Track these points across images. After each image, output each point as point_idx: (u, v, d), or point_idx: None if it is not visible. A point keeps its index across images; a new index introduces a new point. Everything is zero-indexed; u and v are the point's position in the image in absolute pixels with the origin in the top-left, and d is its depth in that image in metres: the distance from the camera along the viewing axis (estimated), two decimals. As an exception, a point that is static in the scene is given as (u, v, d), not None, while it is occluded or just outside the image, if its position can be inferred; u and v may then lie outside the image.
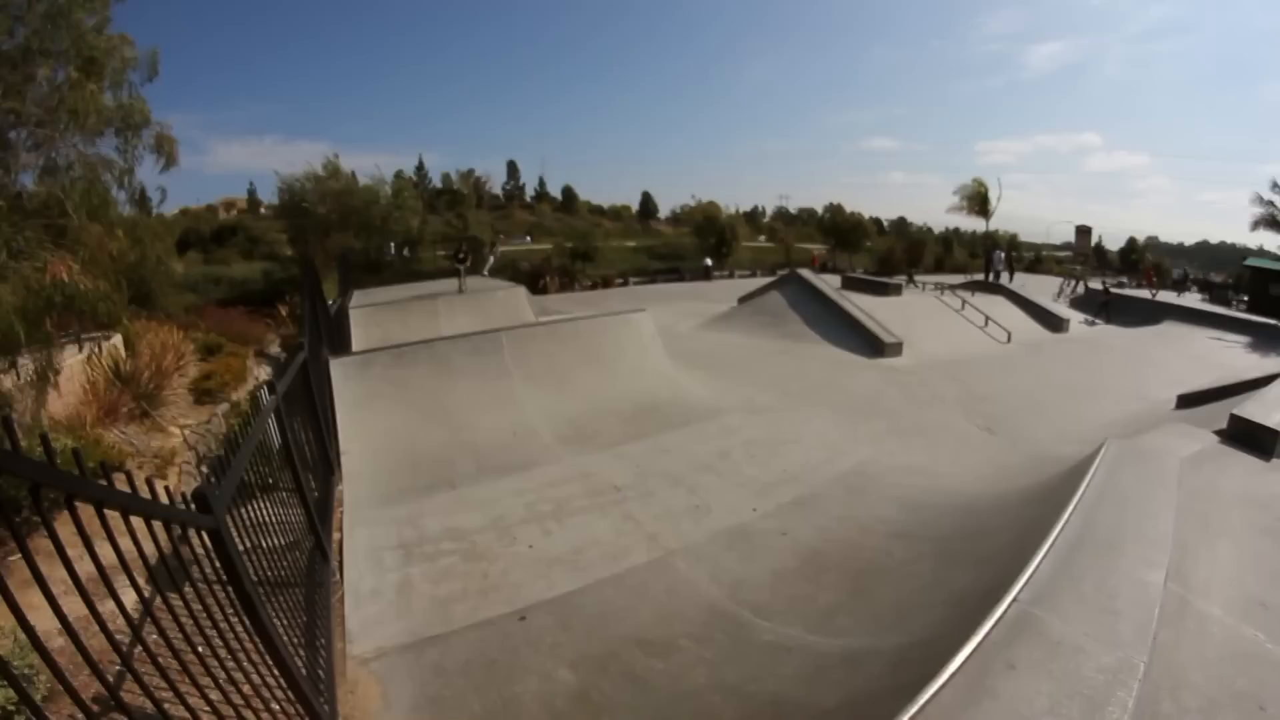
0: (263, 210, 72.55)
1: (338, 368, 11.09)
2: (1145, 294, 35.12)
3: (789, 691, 5.19)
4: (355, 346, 14.79)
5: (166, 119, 10.85)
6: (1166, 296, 37.34)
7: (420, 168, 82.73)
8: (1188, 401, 15.88)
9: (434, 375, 11.79)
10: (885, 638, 5.72)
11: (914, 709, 3.81)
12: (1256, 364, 21.62)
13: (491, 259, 40.46)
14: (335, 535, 7.54)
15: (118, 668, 3.78)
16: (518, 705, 5.13)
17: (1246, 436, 9.79)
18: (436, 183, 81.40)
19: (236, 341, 21.34)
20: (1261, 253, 47.67)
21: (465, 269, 21.21)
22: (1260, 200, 43.32)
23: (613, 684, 5.38)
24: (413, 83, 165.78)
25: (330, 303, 20.36)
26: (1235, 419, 10.06)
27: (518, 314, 18.79)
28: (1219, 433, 10.07)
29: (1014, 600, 4.96)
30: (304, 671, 4.18)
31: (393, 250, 46.99)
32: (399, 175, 53.17)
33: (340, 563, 7.04)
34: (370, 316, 17.68)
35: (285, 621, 4.28)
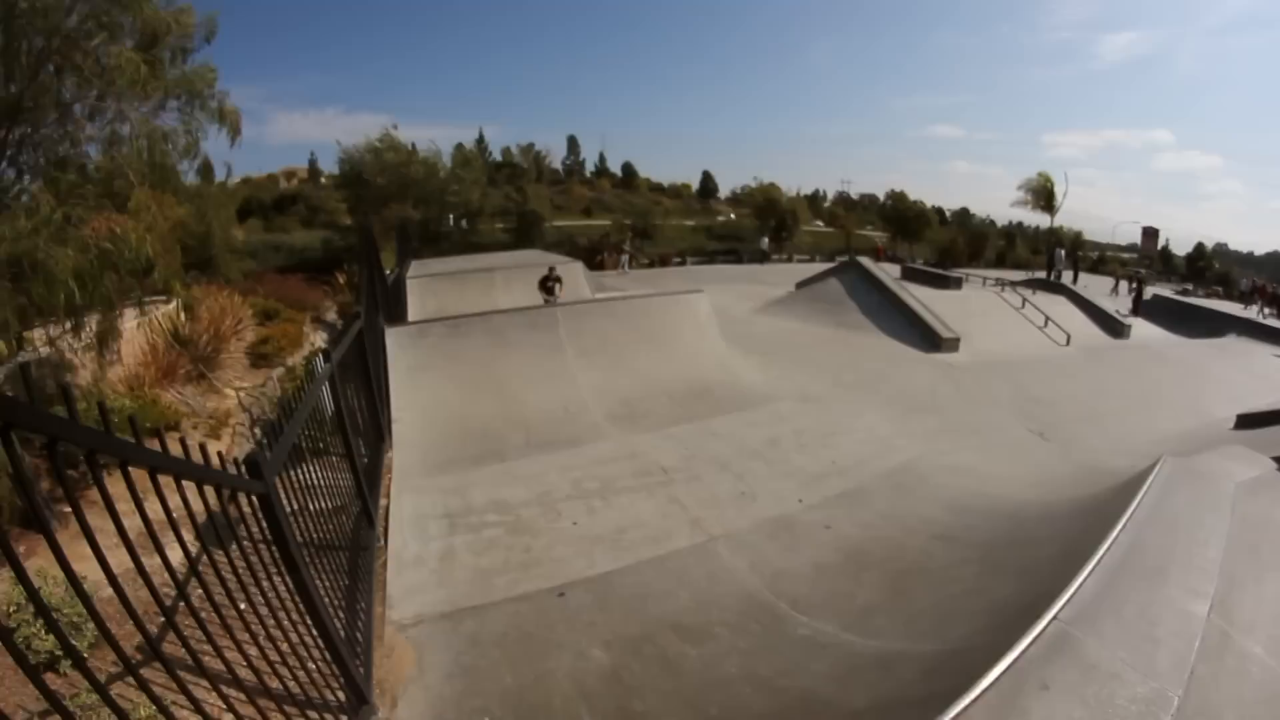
0: (323, 180, 72.80)
1: (393, 336, 11.22)
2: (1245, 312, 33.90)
3: (820, 689, 5.16)
4: (411, 316, 14.96)
5: (227, 89, 11.00)
6: (1232, 308, 35.98)
7: (480, 140, 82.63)
8: (1248, 422, 15.42)
9: (488, 348, 11.85)
10: (921, 643, 5.66)
11: (943, 720, 3.79)
12: None
13: (626, 260, 39.27)
14: (383, 501, 7.68)
15: (162, 620, 3.88)
16: (549, 681, 5.18)
17: None
18: (496, 156, 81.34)
19: (294, 308, 21.75)
20: None
21: (555, 300, 16.42)
22: None
23: (645, 667, 5.40)
24: (474, 55, 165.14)
25: (388, 272, 20.52)
26: None
27: (574, 289, 18.79)
28: (1277, 459, 9.83)
29: (1054, 618, 4.86)
30: (342, 634, 4.27)
31: (451, 222, 47.17)
32: (459, 148, 53.17)
33: (385, 528, 7.17)
34: (427, 287, 17.86)
35: (327, 583, 4.38)
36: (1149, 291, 37.04)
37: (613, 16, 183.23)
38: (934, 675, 4.78)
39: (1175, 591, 5.71)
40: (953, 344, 18.97)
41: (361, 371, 7.90)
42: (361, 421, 7.49)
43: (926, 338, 19.20)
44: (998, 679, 4.18)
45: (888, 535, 7.91)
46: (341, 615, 4.50)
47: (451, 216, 47.09)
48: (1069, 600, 5.13)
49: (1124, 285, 38.15)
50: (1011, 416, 14.22)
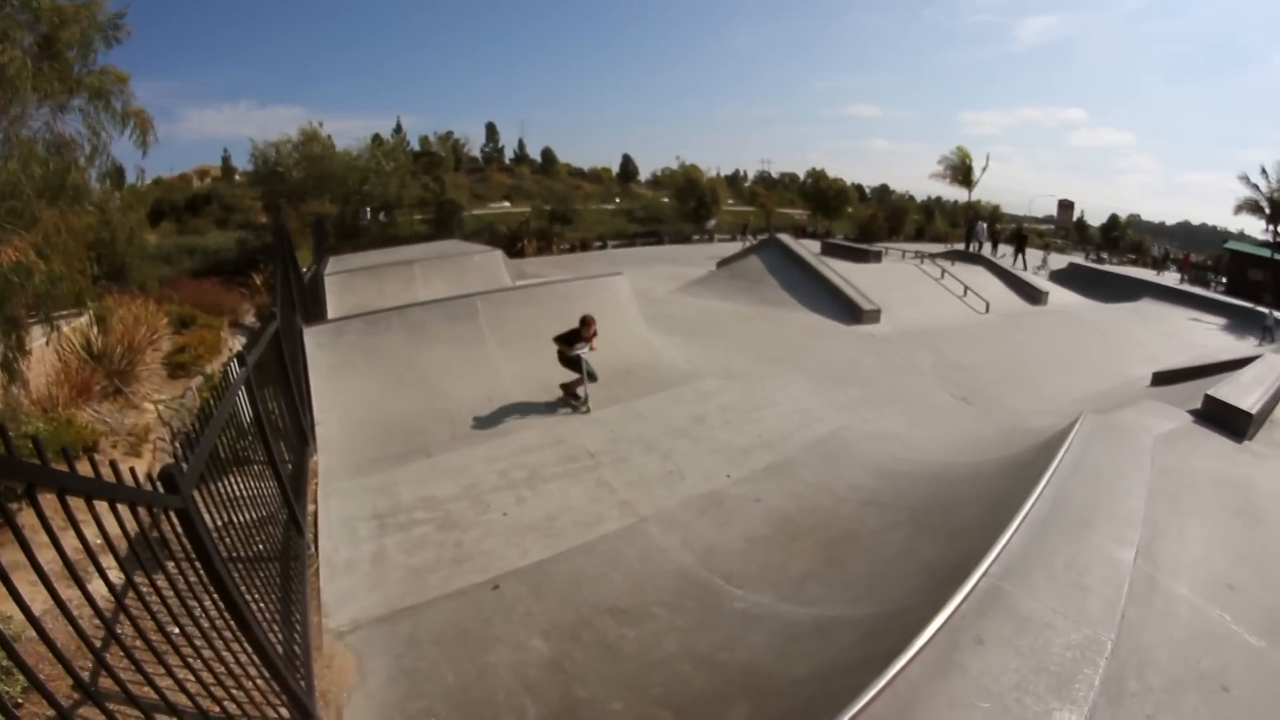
0: (237, 178, 71.32)
1: (311, 336, 10.99)
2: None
3: (760, 661, 5.24)
4: (331, 314, 14.63)
5: (136, 89, 10.68)
6: (1145, 274, 38.03)
7: (398, 130, 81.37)
8: (1163, 379, 16.04)
9: (408, 342, 11.71)
10: (856, 607, 5.77)
11: (881, 683, 3.85)
12: (1232, 346, 21.99)
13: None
14: (310, 507, 7.51)
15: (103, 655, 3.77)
16: (491, 675, 5.16)
17: (1220, 417, 9.94)
18: (415, 146, 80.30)
19: (210, 313, 21.15)
20: (1243, 237, 48.96)
21: (587, 360, 11.16)
22: (1247, 183, 43.84)
23: (585, 653, 5.43)
24: (389, 44, 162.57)
25: (305, 270, 20.13)
26: (1210, 399, 10.21)
27: (494, 278, 18.56)
28: (1193, 412, 10.20)
29: (984, 574, 5.01)
30: (280, 649, 4.17)
31: (369, 215, 46.01)
32: (376, 139, 52.27)
33: (315, 535, 7.03)
34: (345, 283, 17.44)
35: (260, 598, 4.28)
36: (1064, 260, 38.68)
37: (536, 6, 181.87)
38: (871, 639, 4.87)
39: (1101, 541, 5.90)
40: (874, 316, 19.34)
41: (280, 374, 7.72)
42: (283, 426, 7.34)
43: (848, 311, 19.53)
44: (933, 637, 4.28)
45: (817, 504, 8.04)
46: (278, 629, 4.41)
47: (369, 210, 45.96)
48: (998, 556, 5.28)
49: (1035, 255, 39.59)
50: (934, 383, 14.54)
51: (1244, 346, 21.43)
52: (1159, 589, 5.59)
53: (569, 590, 6.23)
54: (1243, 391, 10.79)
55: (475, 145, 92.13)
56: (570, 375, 11.14)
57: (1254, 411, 9.96)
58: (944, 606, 4.54)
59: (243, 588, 3.79)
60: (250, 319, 22.71)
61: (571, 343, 10.90)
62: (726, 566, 6.67)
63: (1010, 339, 19.62)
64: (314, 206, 40.70)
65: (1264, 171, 43.27)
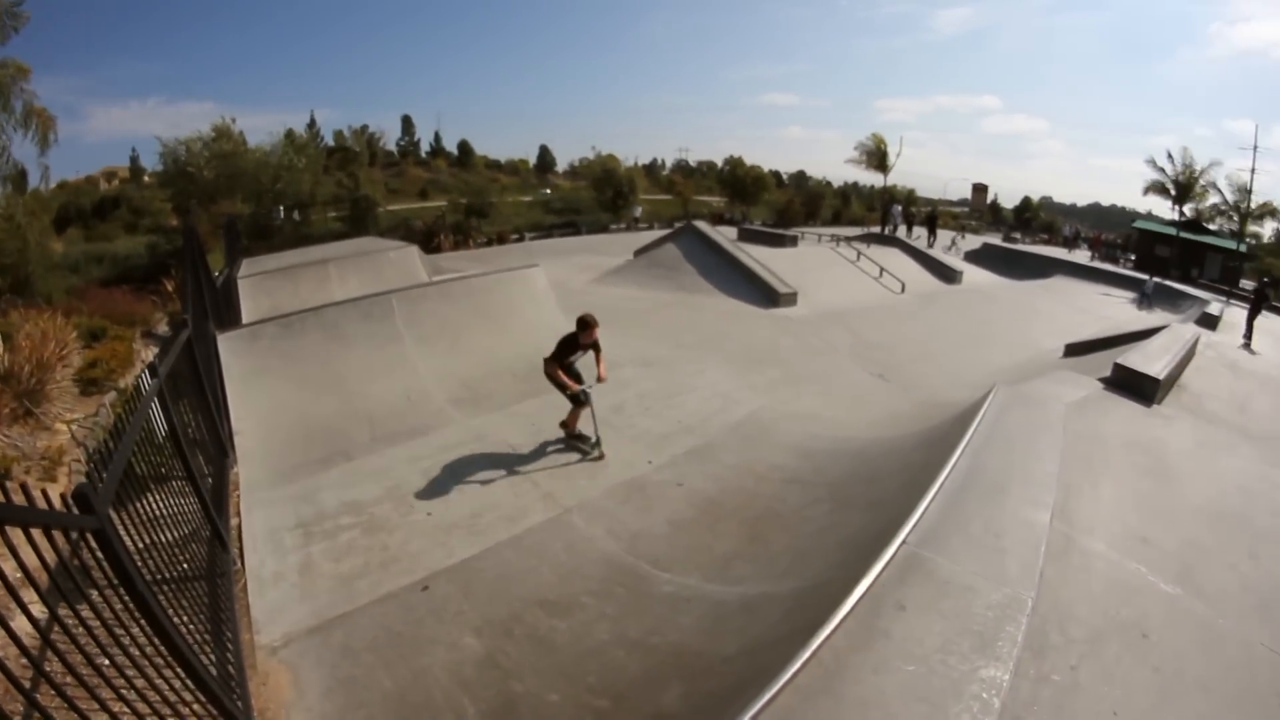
0: (146, 179, 68.63)
1: (225, 342, 10.69)
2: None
3: (690, 642, 5.36)
4: (246, 318, 14.29)
5: (38, 86, 10.30)
6: (1057, 252, 40.82)
7: (312, 124, 79.02)
8: (1075, 351, 16.80)
9: (325, 343, 11.45)
10: (781, 583, 5.93)
11: (807, 653, 3.99)
12: (1140, 318, 22.97)
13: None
14: (233, 520, 7.37)
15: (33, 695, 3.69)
16: (427, 677, 5.17)
17: (1129, 384, 10.53)
18: (329, 141, 77.96)
19: (121, 323, 20.39)
20: (1150, 217, 53.34)
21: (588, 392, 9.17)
22: (1154, 166, 48.00)
23: (518, 647, 5.47)
24: (302, 33, 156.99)
25: (217, 273, 19.63)
26: (1119, 368, 10.80)
27: (410, 274, 18.36)
28: (1103, 380, 10.74)
29: (903, 543, 5.20)
30: (213, 671, 4.11)
31: (282, 214, 44.60)
32: (289, 134, 50.93)
33: (241, 549, 6.88)
34: (259, 285, 17.01)
35: (190, 620, 4.21)
36: (978, 241, 40.64)
37: None
38: (796, 612, 5.02)
39: (1017, 505, 6.14)
40: (790, 298, 19.65)
41: (195, 384, 7.56)
42: (200, 438, 7.21)
43: (765, 294, 19.80)
44: (855, 606, 4.43)
45: (739, 485, 8.20)
46: (210, 651, 4.34)
47: (282, 209, 44.59)
48: (915, 525, 5.47)
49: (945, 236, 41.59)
50: (851, 362, 14.86)
51: (1152, 319, 22.30)
52: (1075, 547, 5.86)
53: (498, 586, 6.25)
54: (1150, 359, 11.33)
55: (391, 139, 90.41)
56: (570, 406, 9.27)
57: (1161, 377, 10.51)
58: (865, 576, 4.71)
59: (170, 611, 3.73)
60: (163, 328, 22.14)
61: (564, 355, 8.96)
62: (652, 551, 6.78)
63: (925, 317, 20.11)
64: (226, 207, 39.20)
65: (1170, 156, 47.64)
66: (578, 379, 9.04)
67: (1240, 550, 6.49)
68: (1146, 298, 28.39)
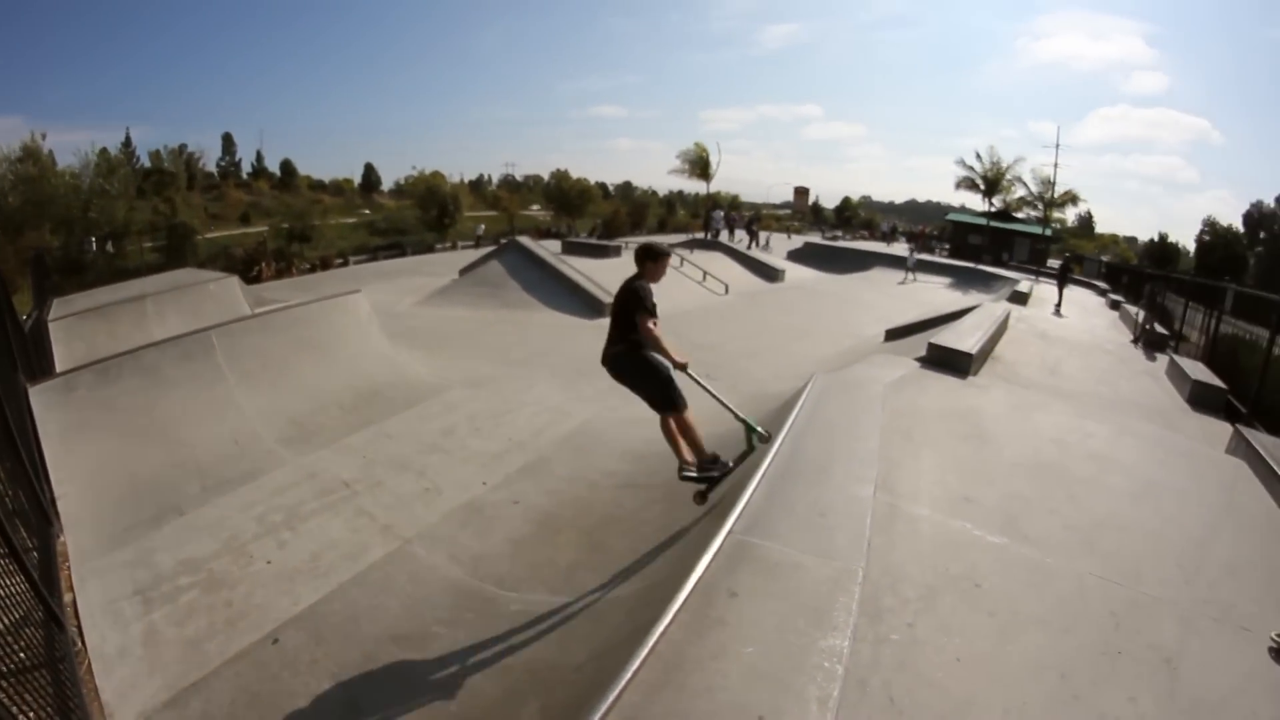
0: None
1: (37, 396, 9.88)
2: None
3: (542, 656, 5.47)
4: (60, 366, 13.43)
5: None
6: (876, 246, 44.23)
7: (127, 144, 74.64)
8: (894, 335, 17.85)
9: (145, 389, 10.74)
10: (623, 586, 6.15)
11: (645, 650, 4.10)
12: (957, 300, 24.69)
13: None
14: (68, 596, 6.88)
15: None
16: (293, 734, 5.06)
17: (944, 360, 11.22)
18: (145, 162, 73.55)
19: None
20: (962, 209, 62.55)
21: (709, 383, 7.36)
22: (964, 165, 55.80)
23: (378, 687, 5.46)
24: (119, 41, 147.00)
25: (25, 316, 18.41)
26: (933, 346, 11.53)
27: (232, 307, 17.46)
28: (920, 359, 11.39)
29: (729, 532, 5.38)
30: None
31: (94, 246, 41.57)
32: (103, 154, 47.74)
33: (79, 626, 6.44)
34: (72, 329, 15.57)
35: (35, 717, 4.03)
36: (801, 240, 43.19)
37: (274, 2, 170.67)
38: (637, 611, 5.17)
39: (841, 483, 6.50)
40: None
41: (7, 446, 7.16)
42: (19, 507, 6.83)
43: (590, 306, 20.37)
44: (686, 599, 4.57)
45: (575, 496, 8.39)
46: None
47: (94, 240, 41.58)
48: (741, 514, 5.66)
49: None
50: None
51: (967, 300, 23.89)
52: (901, 514, 6.19)
53: (348, 628, 6.18)
54: (963, 336, 12.12)
55: (211, 159, 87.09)
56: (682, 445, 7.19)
57: (974, 351, 11.25)
58: (694, 569, 4.88)
59: (14, 709, 3.59)
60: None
61: (634, 309, 7.16)
62: (496, 572, 6.85)
63: (750, 315, 20.89)
64: (33, 239, 36.30)
65: (979, 155, 54.92)
66: (654, 371, 7.43)
67: (1060, 495, 7.00)
68: (910, 270, 31.38)
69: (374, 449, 9.66)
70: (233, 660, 5.92)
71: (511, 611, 6.21)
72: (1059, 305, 26.82)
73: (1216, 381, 13.82)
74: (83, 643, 6.22)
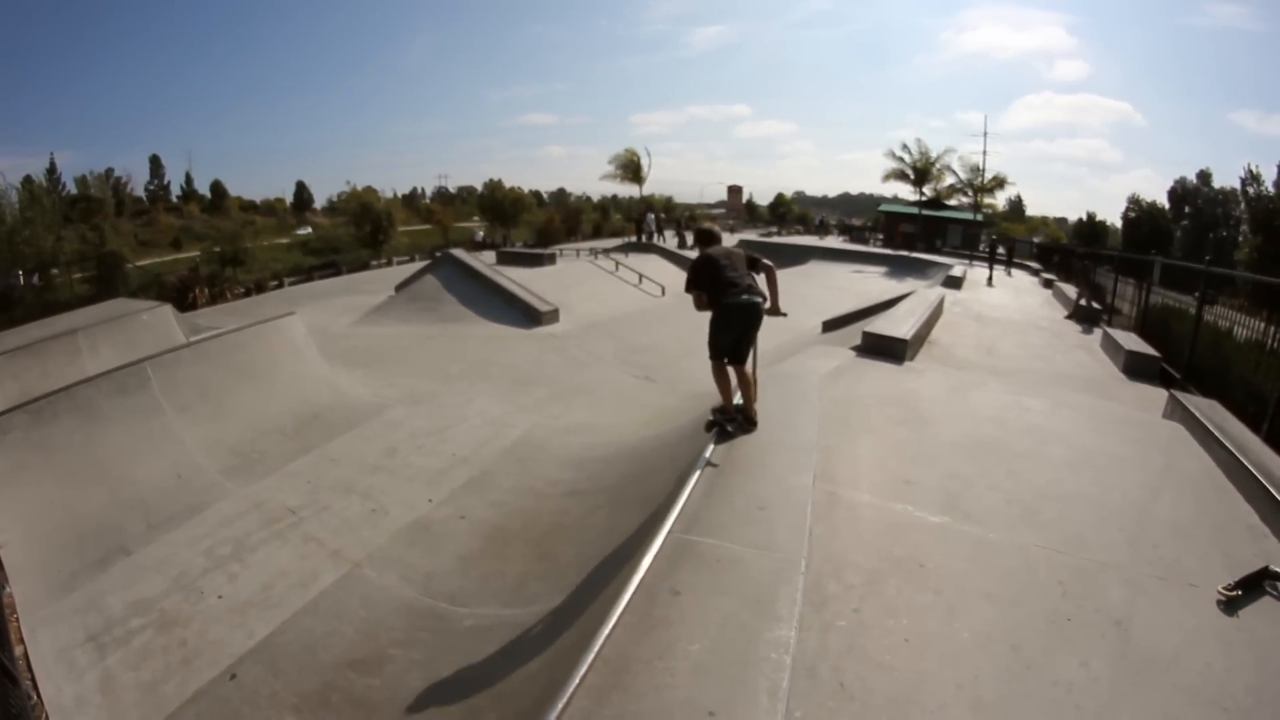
0: None
1: None
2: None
3: (496, 670, 5.49)
4: None
5: None
6: (810, 240, 45.54)
7: (52, 171, 72.21)
8: (831, 326, 18.14)
9: (82, 427, 10.41)
10: (571, 593, 6.17)
11: (591, 655, 4.17)
12: (892, 288, 25.09)
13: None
14: (19, 649, 6.72)
15: None
16: (257, 770, 5.01)
17: (879, 348, 11.44)
18: (71, 188, 71.19)
19: None
20: (894, 200, 64.37)
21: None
22: (894, 156, 56.59)
23: (338, 715, 5.45)
24: (40, 63, 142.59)
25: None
26: (868, 335, 11.84)
27: (166, 337, 17.05)
28: (855, 348, 11.58)
29: (669, 532, 5.48)
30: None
31: (21, 280, 39.49)
32: (26, 182, 46.23)
33: (33, 679, 6.30)
34: (3, 369, 15.00)
35: None
36: (735, 238, 44.61)
37: (195, 16, 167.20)
38: (587, 618, 5.20)
39: (779, 474, 6.62)
40: (553, 316, 20.27)
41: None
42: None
43: (527, 315, 20.30)
44: (630, 601, 4.64)
45: (521, 507, 8.44)
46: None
47: (20, 273, 39.52)
48: (679, 512, 5.77)
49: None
50: (617, 369, 15.44)
51: (901, 287, 24.33)
52: (841, 501, 6.30)
53: (304, 657, 6.15)
54: (897, 322, 12.36)
55: (139, 183, 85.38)
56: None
57: (908, 337, 11.49)
58: (635, 572, 4.96)
59: None
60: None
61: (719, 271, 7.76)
62: (448, 589, 6.88)
63: (687, 316, 20.65)
64: None
65: (907, 147, 56.10)
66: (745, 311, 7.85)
67: (1000, 471, 7.16)
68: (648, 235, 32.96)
69: (318, 473, 9.59)
70: (192, 700, 5.86)
71: (465, 628, 6.24)
72: (990, 279, 29.86)
73: (1150, 350, 14.15)
74: (38, 696, 6.10)
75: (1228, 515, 6.46)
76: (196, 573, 7.65)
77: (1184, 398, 9.31)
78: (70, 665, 6.49)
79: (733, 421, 7.71)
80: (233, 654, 6.31)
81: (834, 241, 49.48)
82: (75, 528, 8.88)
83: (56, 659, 6.58)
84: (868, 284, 27.17)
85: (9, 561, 8.21)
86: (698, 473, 6.51)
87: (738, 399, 7.89)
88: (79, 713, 5.92)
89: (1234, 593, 5.07)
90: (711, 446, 7.33)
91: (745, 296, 7.57)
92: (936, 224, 55.19)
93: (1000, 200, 64.92)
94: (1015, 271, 34.57)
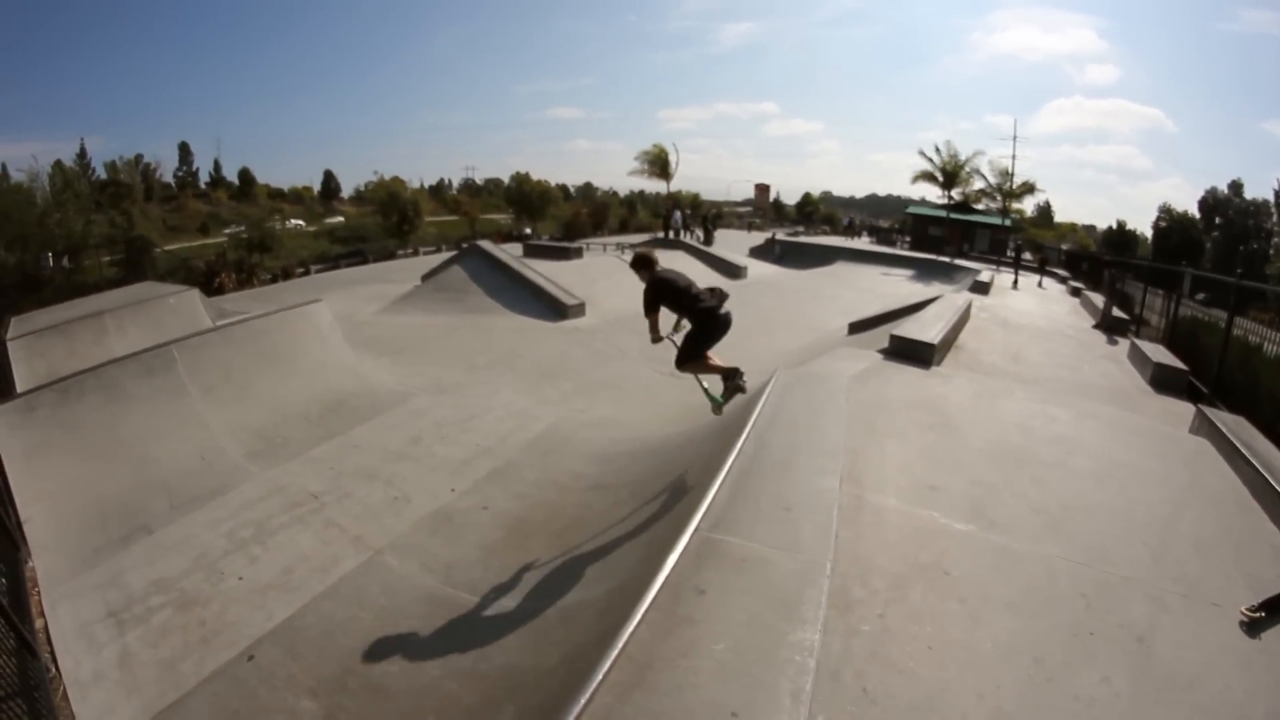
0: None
1: None
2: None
3: (516, 661, 5.48)
4: (20, 387, 13.16)
5: None
6: (838, 240, 45.64)
7: (82, 155, 72.46)
8: (858, 328, 17.97)
9: (108, 406, 10.52)
10: (593, 589, 6.15)
11: (615, 651, 4.12)
12: (919, 291, 24.93)
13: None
14: (39, 621, 6.84)
15: None
16: (271, 751, 5.02)
17: (907, 351, 11.31)
18: (101, 173, 71.46)
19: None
20: (922, 202, 63.05)
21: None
22: (924, 157, 56.42)
23: (355, 700, 5.44)
24: (72, 50, 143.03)
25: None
26: (895, 338, 11.68)
27: (193, 320, 17.40)
28: (883, 351, 11.47)
29: (695, 530, 5.40)
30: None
31: (50, 262, 40.18)
32: (57, 166, 46.76)
33: (52, 653, 6.39)
34: (31, 347, 15.44)
35: None
36: (762, 237, 44.24)
37: (229, 6, 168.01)
38: (607, 614, 5.16)
39: (806, 476, 6.51)
40: (578, 310, 20.24)
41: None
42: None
43: (553, 308, 20.25)
44: (655, 599, 4.58)
45: (544, 499, 8.40)
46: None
47: (50, 255, 40.20)
48: (706, 511, 5.67)
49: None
50: (642, 365, 15.29)
51: (929, 291, 24.20)
52: (867, 505, 6.24)
53: (323, 641, 6.16)
54: (925, 327, 12.24)
55: (168, 169, 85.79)
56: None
57: (936, 342, 11.36)
58: (660, 569, 4.90)
59: None
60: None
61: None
62: (469, 579, 6.86)
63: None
64: None
65: (937, 148, 55.83)
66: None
67: (1025, 480, 7.08)
68: (778, 259, 32.55)
69: (341, 460, 9.60)
70: (209, 679, 5.87)
71: (485, 617, 6.24)
72: (1015, 283, 30.12)
73: (1177, 363, 14.00)
74: (57, 669, 6.16)
75: (1252, 534, 6.38)
76: (217, 554, 7.67)
77: (1211, 413, 9.20)
78: (89, 640, 6.51)
79: (739, 376, 8.39)
80: (251, 635, 6.32)
81: (861, 243, 49.71)
82: (99, 505, 8.95)
83: (76, 633, 6.61)
84: (895, 286, 27.12)
85: (33, 536, 8.30)
86: (724, 471, 6.38)
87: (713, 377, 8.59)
88: (96, 687, 5.94)
89: (1257, 614, 5.00)
90: (760, 406, 7.46)
91: (725, 310, 8.32)
92: (964, 228, 54.79)
93: (1029, 206, 64.75)
94: (1040, 276, 34.39)
